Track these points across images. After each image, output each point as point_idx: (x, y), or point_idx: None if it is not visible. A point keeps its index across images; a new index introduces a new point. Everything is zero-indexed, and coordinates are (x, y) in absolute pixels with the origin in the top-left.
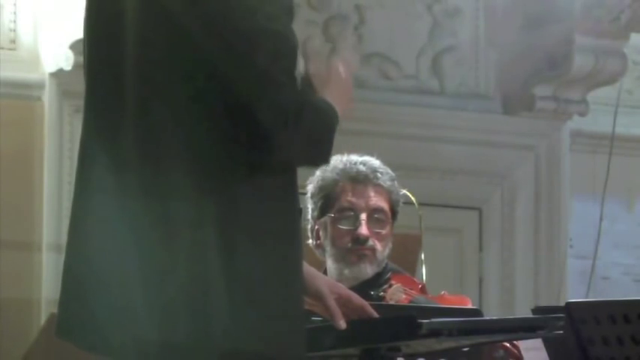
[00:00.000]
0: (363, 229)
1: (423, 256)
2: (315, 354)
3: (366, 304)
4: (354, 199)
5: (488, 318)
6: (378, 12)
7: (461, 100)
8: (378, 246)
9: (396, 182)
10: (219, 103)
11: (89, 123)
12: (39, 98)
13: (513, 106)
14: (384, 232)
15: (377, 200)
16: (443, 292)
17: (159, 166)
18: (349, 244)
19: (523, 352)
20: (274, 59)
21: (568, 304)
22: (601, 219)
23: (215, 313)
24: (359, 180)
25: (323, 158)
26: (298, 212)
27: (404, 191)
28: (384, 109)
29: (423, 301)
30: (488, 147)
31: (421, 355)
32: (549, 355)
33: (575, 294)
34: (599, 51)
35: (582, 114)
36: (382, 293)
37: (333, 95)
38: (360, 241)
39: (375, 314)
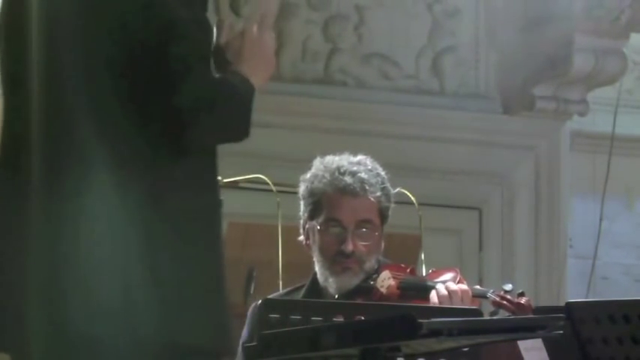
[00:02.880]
0: (349, 245)
1: (423, 256)
2: (315, 354)
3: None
4: (340, 213)
5: (488, 318)
6: (378, 12)
7: (461, 100)
8: (366, 256)
9: (387, 186)
10: (136, 92)
11: (6, 119)
12: None
13: (513, 106)
14: (371, 242)
15: (364, 213)
16: (430, 270)
17: (77, 159)
18: (335, 255)
19: (523, 353)
20: (188, 47)
21: (568, 304)
22: (601, 219)
23: (138, 307)
24: (346, 192)
25: (242, 133)
26: (218, 203)
27: (404, 191)
28: (384, 109)
29: (411, 280)
30: (489, 147)
31: (421, 355)
32: (549, 355)
33: (575, 294)
34: (599, 51)
35: (582, 114)
36: (372, 282)
37: (249, 64)
38: (345, 254)
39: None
